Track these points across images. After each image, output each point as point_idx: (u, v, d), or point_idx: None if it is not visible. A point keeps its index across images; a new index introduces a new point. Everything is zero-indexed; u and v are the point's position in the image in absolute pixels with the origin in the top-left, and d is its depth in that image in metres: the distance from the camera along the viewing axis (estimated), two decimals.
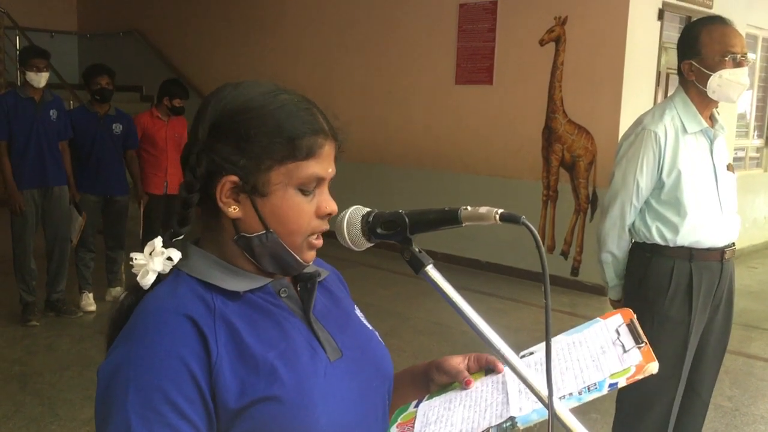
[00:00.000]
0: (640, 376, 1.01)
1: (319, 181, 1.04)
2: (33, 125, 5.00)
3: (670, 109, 2.58)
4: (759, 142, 8.64)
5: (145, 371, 0.93)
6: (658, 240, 2.58)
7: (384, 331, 1.20)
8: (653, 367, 1.01)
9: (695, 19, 3.16)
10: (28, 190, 5.02)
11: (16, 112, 4.96)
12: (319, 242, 1.06)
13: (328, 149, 1.04)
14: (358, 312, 1.20)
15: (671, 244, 2.56)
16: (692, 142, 2.55)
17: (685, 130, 2.54)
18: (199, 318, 0.97)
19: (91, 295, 5.49)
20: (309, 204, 1.04)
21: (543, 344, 1.05)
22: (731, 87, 2.51)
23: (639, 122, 2.64)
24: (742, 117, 8.29)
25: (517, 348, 1.09)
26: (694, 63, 2.54)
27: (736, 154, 8.11)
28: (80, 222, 5.28)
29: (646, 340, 1.05)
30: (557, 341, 1.14)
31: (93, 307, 5.44)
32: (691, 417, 2.75)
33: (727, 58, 2.48)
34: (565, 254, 6.65)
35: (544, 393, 0.93)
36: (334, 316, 1.12)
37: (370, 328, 1.18)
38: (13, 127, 4.96)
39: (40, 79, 4.95)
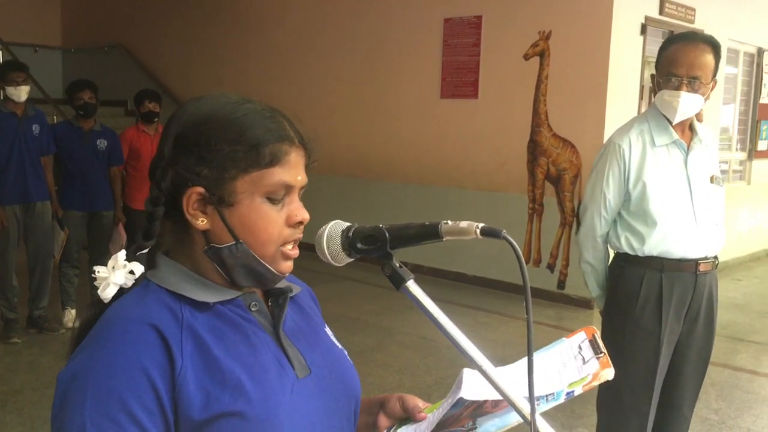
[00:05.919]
0: (596, 383, 1.05)
1: (288, 188, 1.03)
2: (15, 140, 4.96)
3: (641, 123, 2.63)
4: (742, 156, 8.71)
5: (104, 379, 0.92)
6: (627, 250, 2.63)
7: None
8: (608, 374, 1.05)
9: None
10: (9, 206, 4.97)
11: None
12: (295, 252, 1.04)
13: (295, 157, 1.03)
14: (327, 330, 1.18)
15: (639, 254, 2.60)
16: (663, 155, 2.59)
17: (653, 143, 2.58)
18: (165, 328, 0.96)
19: (74, 312, 5.43)
20: (278, 213, 1.02)
21: (509, 366, 1.09)
22: (667, 108, 2.55)
23: (611, 137, 2.70)
24: (725, 130, 8.36)
25: (503, 362, 1.09)
26: (655, 78, 2.61)
27: (720, 167, 8.14)
28: (62, 237, 5.23)
29: (605, 350, 1.08)
30: (523, 362, 1.15)
31: (76, 324, 5.37)
32: None
33: (670, 79, 2.50)
34: (551, 267, 6.65)
35: (526, 410, 0.92)
36: (304, 334, 1.11)
37: (339, 346, 1.16)
38: None
39: (20, 93, 4.92)
